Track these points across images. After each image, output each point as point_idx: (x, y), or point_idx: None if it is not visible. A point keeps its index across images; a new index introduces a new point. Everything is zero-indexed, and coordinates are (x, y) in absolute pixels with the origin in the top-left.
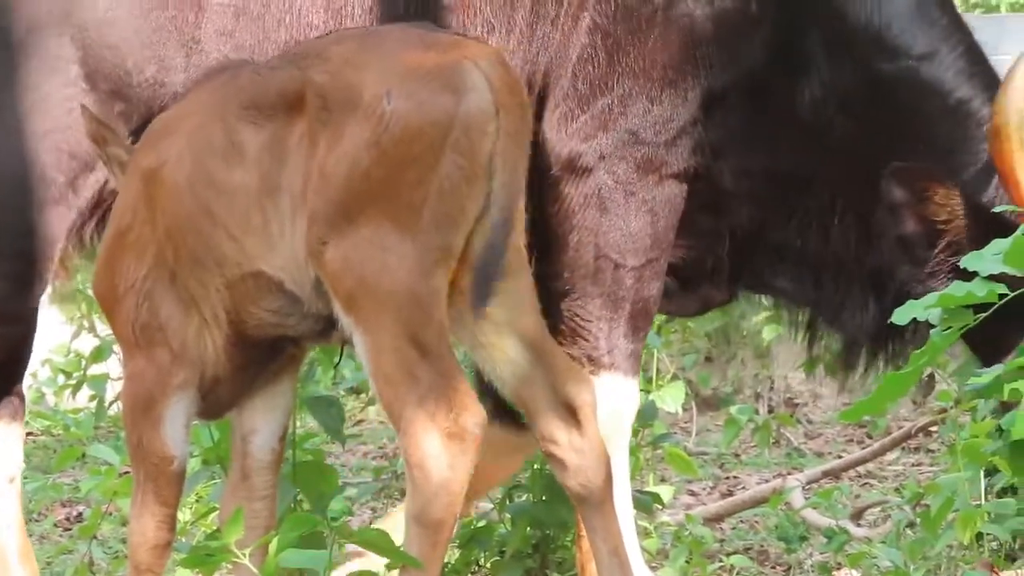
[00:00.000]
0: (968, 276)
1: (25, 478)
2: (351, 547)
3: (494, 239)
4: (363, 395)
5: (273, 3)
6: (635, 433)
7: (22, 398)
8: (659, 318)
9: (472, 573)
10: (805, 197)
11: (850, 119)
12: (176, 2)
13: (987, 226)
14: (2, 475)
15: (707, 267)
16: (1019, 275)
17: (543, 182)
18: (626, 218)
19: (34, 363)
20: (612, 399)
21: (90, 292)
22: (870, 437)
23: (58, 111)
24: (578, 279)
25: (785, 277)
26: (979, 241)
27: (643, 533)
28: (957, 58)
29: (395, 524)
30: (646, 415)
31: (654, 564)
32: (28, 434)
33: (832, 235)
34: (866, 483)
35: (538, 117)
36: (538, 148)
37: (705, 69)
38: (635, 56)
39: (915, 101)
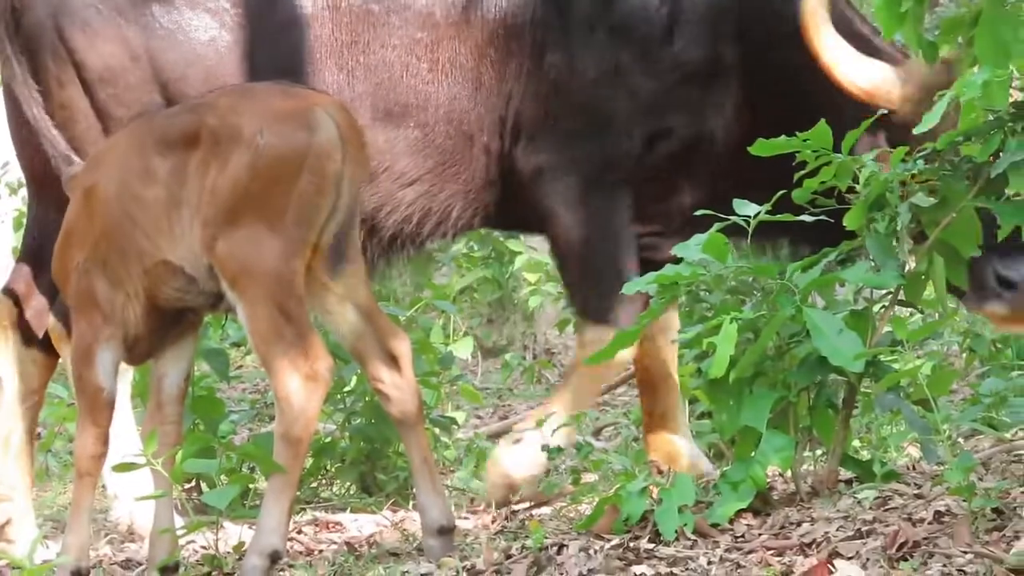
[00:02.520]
0: None
1: None
2: None
3: (341, 230)
4: (242, 348)
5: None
6: (436, 374)
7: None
8: (452, 291)
9: (321, 476)
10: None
11: (767, 108)
12: None
13: None
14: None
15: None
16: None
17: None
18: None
19: None
20: (596, 345)
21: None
22: None
23: None
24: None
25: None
26: None
27: (443, 446)
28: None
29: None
30: (445, 361)
31: (452, 468)
32: None
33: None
34: (604, 409)
35: (512, 145)
36: (511, 165)
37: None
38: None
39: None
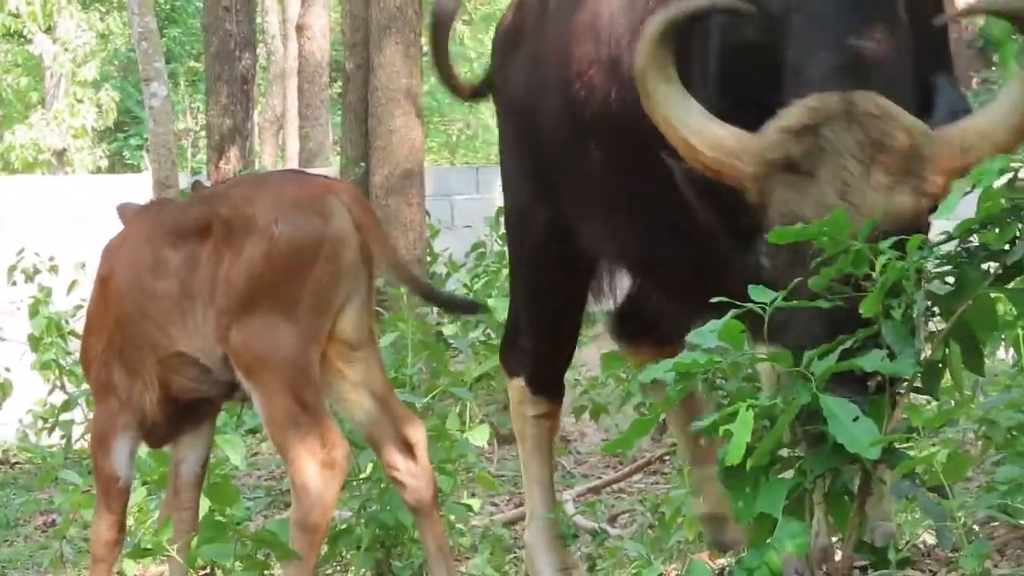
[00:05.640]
0: None
1: (13, 495)
2: None
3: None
4: (258, 435)
5: None
6: (452, 461)
7: None
8: (468, 378)
9: (336, 563)
10: None
11: None
12: None
13: None
14: None
15: None
16: None
17: None
18: None
19: (20, 411)
20: None
21: (62, 362)
22: (622, 464)
23: None
24: None
25: None
26: None
27: (459, 533)
28: None
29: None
30: (461, 448)
31: (467, 555)
32: (15, 463)
33: None
34: (619, 496)
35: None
36: None
37: None
38: None
39: None
